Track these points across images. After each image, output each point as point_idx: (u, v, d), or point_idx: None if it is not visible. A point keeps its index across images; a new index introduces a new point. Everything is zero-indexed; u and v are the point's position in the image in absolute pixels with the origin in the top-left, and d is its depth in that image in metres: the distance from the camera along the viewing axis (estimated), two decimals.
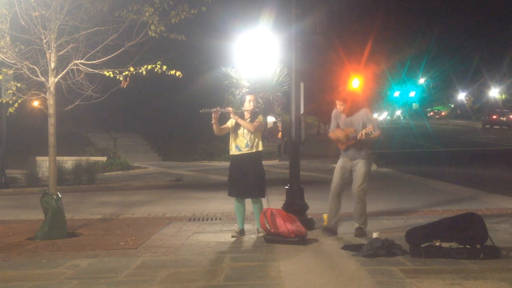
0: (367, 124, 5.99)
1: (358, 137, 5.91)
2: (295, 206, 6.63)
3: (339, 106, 6.20)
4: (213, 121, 6.05)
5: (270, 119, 25.00)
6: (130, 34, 6.80)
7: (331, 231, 6.10)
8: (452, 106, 72.18)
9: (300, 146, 7.08)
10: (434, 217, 6.78)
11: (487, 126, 42.95)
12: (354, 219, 6.19)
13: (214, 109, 6.03)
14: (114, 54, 6.78)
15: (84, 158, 15.10)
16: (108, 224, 7.36)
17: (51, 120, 6.56)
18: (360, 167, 6.07)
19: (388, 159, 19.35)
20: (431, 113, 76.91)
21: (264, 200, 6.57)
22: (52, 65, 6.52)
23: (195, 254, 5.23)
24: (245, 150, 6.10)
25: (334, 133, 6.26)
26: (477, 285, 3.92)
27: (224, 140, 6.49)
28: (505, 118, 41.90)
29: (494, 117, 43.28)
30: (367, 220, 6.20)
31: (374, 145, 6.30)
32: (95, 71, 6.73)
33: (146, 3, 6.78)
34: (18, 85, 6.88)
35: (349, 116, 6.17)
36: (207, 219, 7.68)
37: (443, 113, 75.25)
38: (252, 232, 6.28)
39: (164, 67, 6.76)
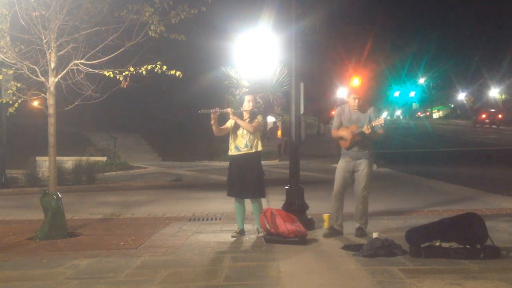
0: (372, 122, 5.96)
1: (364, 129, 5.86)
2: (295, 206, 6.62)
3: (353, 99, 6.10)
4: (212, 121, 6.05)
5: (270, 119, 25.03)
6: (130, 34, 6.81)
7: (337, 232, 6.09)
8: (452, 106, 72.15)
9: (300, 146, 7.08)
10: (434, 217, 6.78)
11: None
12: (356, 219, 6.18)
13: (213, 110, 6.02)
14: (114, 54, 6.79)
15: (84, 158, 15.10)
16: (108, 224, 7.36)
17: (51, 120, 6.56)
18: (363, 167, 6.04)
19: (388, 159, 19.35)
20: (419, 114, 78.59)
21: (264, 200, 6.57)
22: (52, 65, 6.52)
23: (195, 254, 5.23)
24: (244, 150, 6.10)
25: (338, 131, 6.23)
26: (477, 285, 3.92)
27: (224, 140, 6.49)
28: None
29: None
30: (368, 220, 6.20)
31: (374, 145, 6.27)
32: (95, 71, 6.73)
33: (146, 3, 6.78)
34: (18, 85, 6.89)
35: (360, 112, 6.12)
36: (207, 219, 7.68)
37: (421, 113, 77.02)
38: (252, 232, 6.28)
39: (164, 67, 6.76)
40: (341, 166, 6.18)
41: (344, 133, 6.10)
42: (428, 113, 78.43)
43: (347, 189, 6.20)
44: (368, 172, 6.05)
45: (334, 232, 6.08)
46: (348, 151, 6.12)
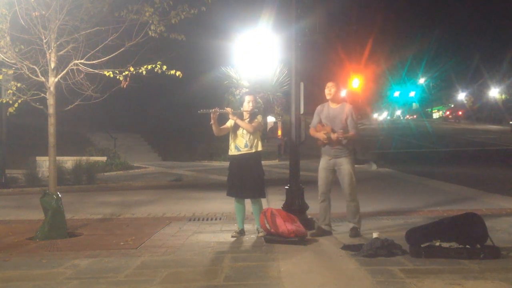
0: (347, 121, 5.97)
1: (332, 136, 5.89)
2: (295, 206, 6.62)
3: (328, 89, 6.10)
4: (212, 121, 6.05)
5: (270, 119, 25.03)
6: (130, 34, 6.80)
7: (324, 231, 6.08)
8: (452, 106, 72.16)
9: (300, 146, 7.07)
10: (434, 217, 6.78)
11: None
12: (348, 219, 6.16)
13: (213, 110, 6.01)
14: (114, 54, 6.79)
15: (84, 158, 15.09)
16: (108, 224, 7.36)
17: (51, 120, 6.56)
18: (344, 166, 6.00)
19: (388, 159, 19.36)
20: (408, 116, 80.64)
21: (264, 200, 6.57)
22: (52, 65, 6.52)
23: (195, 254, 5.23)
24: (244, 150, 6.10)
25: (315, 130, 6.20)
26: (477, 285, 3.92)
27: (224, 140, 6.49)
28: None
29: None
30: (361, 220, 6.16)
31: (374, 145, 6.27)
32: (95, 71, 6.73)
33: (146, 3, 6.78)
34: (18, 85, 6.89)
35: (333, 106, 6.11)
36: (207, 219, 7.68)
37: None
38: (252, 232, 6.28)
39: (164, 67, 6.75)
40: (322, 165, 6.16)
41: (319, 135, 6.09)
42: (416, 116, 78.74)
43: (332, 189, 6.17)
44: (350, 170, 6.00)
45: (321, 232, 6.06)
46: (327, 149, 6.09)
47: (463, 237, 4.82)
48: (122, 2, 6.86)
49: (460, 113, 62.59)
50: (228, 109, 6.21)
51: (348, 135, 5.92)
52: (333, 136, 5.88)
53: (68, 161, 14.82)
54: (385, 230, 6.18)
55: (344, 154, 6.02)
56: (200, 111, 6.11)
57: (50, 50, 6.46)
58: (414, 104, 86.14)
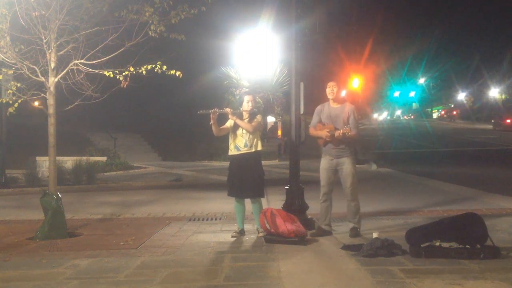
0: (349, 120, 5.97)
1: (336, 135, 5.88)
2: (295, 206, 6.62)
3: (330, 88, 6.07)
4: (211, 122, 6.05)
5: (270, 119, 25.04)
6: (130, 34, 6.81)
7: (324, 231, 6.08)
8: (452, 106, 72.21)
9: (300, 146, 7.07)
10: (434, 217, 6.78)
11: None
12: (348, 219, 6.16)
13: (212, 110, 6.01)
14: (114, 54, 6.79)
15: (84, 158, 15.09)
16: (108, 224, 7.36)
17: (51, 120, 6.56)
18: (346, 166, 5.99)
19: (388, 159, 19.36)
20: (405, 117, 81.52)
21: (264, 200, 6.57)
22: (52, 65, 6.52)
23: (195, 254, 5.23)
24: (244, 150, 6.10)
25: (315, 129, 6.18)
26: (477, 285, 3.92)
27: (224, 140, 6.49)
28: None
29: None
30: (361, 220, 6.16)
31: (374, 145, 6.26)
32: (95, 71, 6.73)
33: (146, 3, 6.78)
34: (18, 85, 6.89)
35: (334, 105, 6.10)
36: (207, 219, 7.68)
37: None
38: (252, 232, 6.28)
39: (164, 67, 6.76)
40: (324, 166, 6.14)
41: (321, 133, 6.07)
42: (413, 116, 78.78)
43: (334, 189, 6.17)
44: (351, 170, 6.00)
45: (322, 232, 6.06)
46: (328, 149, 6.08)
47: (463, 237, 4.82)
48: (122, 2, 6.86)
49: (454, 112, 64.32)
50: (228, 109, 6.21)
51: (352, 134, 5.91)
52: (337, 133, 5.86)
53: (68, 161, 14.81)
54: (385, 230, 6.18)
55: (346, 154, 6.02)
56: (200, 112, 6.11)
57: (50, 50, 6.47)
58: (414, 104, 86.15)
